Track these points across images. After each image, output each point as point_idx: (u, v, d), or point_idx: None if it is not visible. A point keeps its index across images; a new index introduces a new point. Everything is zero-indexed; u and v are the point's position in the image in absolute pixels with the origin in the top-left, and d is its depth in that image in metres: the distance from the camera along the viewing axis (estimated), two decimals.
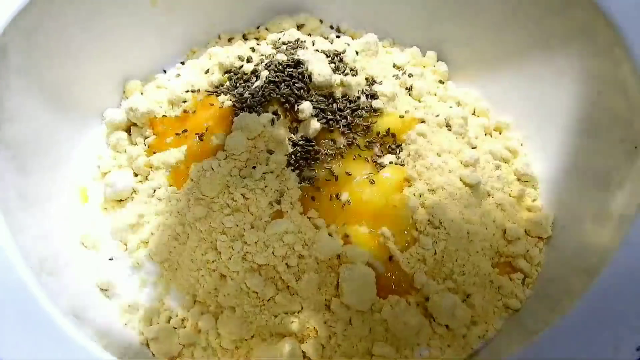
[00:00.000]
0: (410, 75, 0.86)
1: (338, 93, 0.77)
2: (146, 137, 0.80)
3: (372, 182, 0.72)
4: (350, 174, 0.72)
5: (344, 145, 0.73)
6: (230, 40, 0.98)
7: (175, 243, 0.69)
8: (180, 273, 0.69)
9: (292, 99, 0.72)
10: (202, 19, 0.95)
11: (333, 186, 0.72)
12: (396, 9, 0.95)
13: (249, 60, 0.82)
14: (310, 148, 0.72)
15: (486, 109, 0.87)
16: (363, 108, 0.76)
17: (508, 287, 0.69)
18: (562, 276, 0.66)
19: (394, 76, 0.86)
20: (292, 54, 0.80)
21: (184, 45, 0.96)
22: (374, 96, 0.77)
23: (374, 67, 0.84)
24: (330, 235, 0.68)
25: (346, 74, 0.79)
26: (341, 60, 0.82)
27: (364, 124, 0.75)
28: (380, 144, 0.75)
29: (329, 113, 0.74)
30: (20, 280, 0.57)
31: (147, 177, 0.77)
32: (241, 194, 0.67)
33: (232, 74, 0.80)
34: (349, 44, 0.88)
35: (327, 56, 0.81)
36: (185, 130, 0.76)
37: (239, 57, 0.82)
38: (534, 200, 0.78)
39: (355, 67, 0.82)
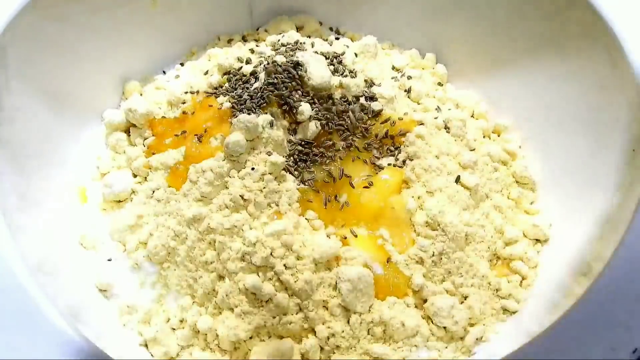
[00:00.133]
0: (409, 78, 0.87)
1: (337, 95, 0.77)
2: (145, 138, 0.80)
3: (370, 184, 0.72)
4: (348, 176, 0.72)
5: (342, 147, 0.73)
6: (229, 41, 0.98)
7: (173, 244, 0.69)
8: (178, 274, 0.69)
9: (291, 100, 0.73)
10: (201, 21, 0.95)
11: (331, 188, 0.72)
12: (395, 11, 0.95)
13: (248, 62, 0.82)
14: (309, 150, 0.73)
15: (485, 111, 0.87)
16: (362, 110, 0.76)
17: (506, 289, 0.69)
18: (560, 278, 0.67)
19: (392, 78, 0.86)
20: (291, 55, 0.80)
21: (183, 47, 0.96)
22: (372, 98, 0.77)
23: (373, 69, 0.85)
24: (328, 236, 0.68)
25: (345, 76, 0.79)
26: (340, 62, 0.83)
27: (363, 125, 0.75)
28: (379, 146, 0.75)
29: (327, 115, 0.74)
30: (19, 280, 0.57)
31: (146, 177, 0.77)
32: (240, 195, 0.67)
33: (231, 75, 0.80)
34: (348, 46, 0.89)
35: (326, 58, 0.81)
36: (184, 132, 0.76)
37: (238, 59, 0.82)
38: (532, 203, 0.78)
39: (354, 69, 0.82)
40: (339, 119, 0.74)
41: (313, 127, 0.72)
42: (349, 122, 0.74)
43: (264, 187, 0.67)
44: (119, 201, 0.77)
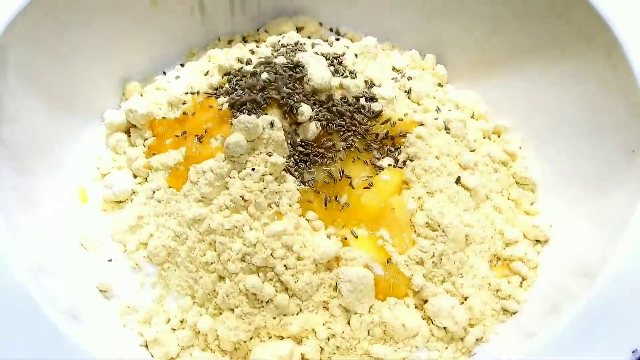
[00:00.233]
0: (409, 78, 0.87)
1: (337, 95, 0.77)
2: (145, 139, 0.80)
3: (370, 185, 0.72)
4: (349, 177, 0.72)
5: (343, 148, 0.74)
6: (229, 42, 0.98)
7: (174, 244, 0.69)
8: (179, 274, 0.69)
9: (292, 101, 0.73)
10: (201, 21, 0.95)
11: (332, 188, 0.72)
12: (395, 12, 0.95)
13: (248, 63, 0.82)
14: (309, 150, 0.73)
15: (485, 112, 0.88)
16: (362, 111, 0.76)
17: (506, 290, 0.69)
18: (560, 279, 0.67)
19: (393, 79, 0.86)
20: (292, 56, 0.80)
21: (183, 47, 0.96)
22: (373, 99, 0.78)
23: (373, 70, 0.85)
24: (328, 237, 0.68)
25: (345, 77, 0.79)
26: (340, 63, 0.83)
27: (363, 126, 0.75)
28: (379, 147, 0.76)
29: (328, 115, 0.74)
30: (19, 280, 0.57)
31: (146, 178, 0.77)
32: (240, 196, 0.67)
33: (231, 76, 0.80)
34: (348, 47, 0.89)
35: (327, 59, 0.81)
36: (185, 132, 0.76)
37: (239, 60, 0.83)
38: (532, 204, 0.78)
39: (354, 70, 0.82)
40: (339, 120, 0.74)
41: (313, 128, 0.73)
42: (349, 122, 0.74)
43: (265, 188, 0.67)
44: (120, 202, 0.77)
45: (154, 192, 0.74)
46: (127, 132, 0.84)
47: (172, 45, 0.94)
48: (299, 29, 0.97)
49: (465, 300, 0.68)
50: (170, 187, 0.73)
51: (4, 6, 0.70)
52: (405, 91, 0.85)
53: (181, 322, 0.67)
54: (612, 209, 0.65)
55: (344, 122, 0.74)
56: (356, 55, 0.87)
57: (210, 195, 0.68)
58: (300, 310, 0.65)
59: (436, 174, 0.73)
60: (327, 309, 0.65)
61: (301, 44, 0.86)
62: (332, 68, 0.80)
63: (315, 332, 0.64)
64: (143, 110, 0.80)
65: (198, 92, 0.81)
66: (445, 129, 0.79)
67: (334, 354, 0.64)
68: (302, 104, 0.73)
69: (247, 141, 0.69)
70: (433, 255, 0.68)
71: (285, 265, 0.64)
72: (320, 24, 0.99)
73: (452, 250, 0.68)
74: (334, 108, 0.75)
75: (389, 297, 0.66)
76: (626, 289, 0.56)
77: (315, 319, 0.64)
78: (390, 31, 0.97)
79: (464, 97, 0.88)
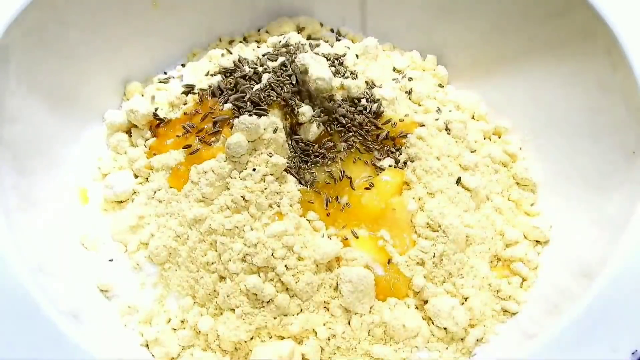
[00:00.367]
0: (410, 79, 0.87)
1: (338, 96, 0.77)
2: (146, 139, 0.80)
3: (371, 185, 0.72)
4: (349, 177, 0.72)
5: (343, 149, 0.74)
6: (230, 42, 0.98)
7: (175, 244, 0.69)
8: (179, 274, 0.69)
9: (292, 102, 0.73)
10: (202, 21, 0.96)
11: (332, 189, 0.72)
12: (396, 13, 0.95)
13: (249, 63, 0.82)
14: (310, 151, 0.73)
15: (485, 112, 0.88)
16: (363, 111, 0.76)
17: (506, 291, 0.69)
18: (560, 279, 0.67)
19: (393, 80, 0.86)
20: (293, 57, 0.80)
21: (184, 48, 0.96)
22: (374, 99, 0.78)
23: (374, 71, 0.85)
24: (329, 237, 0.68)
25: (346, 78, 0.79)
26: (341, 64, 0.83)
27: (364, 127, 0.75)
28: (380, 147, 0.76)
29: (329, 116, 0.74)
30: (20, 280, 0.57)
31: (147, 178, 0.77)
32: (241, 196, 0.67)
33: (232, 76, 0.80)
34: (349, 48, 0.89)
35: (328, 59, 0.81)
36: (186, 132, 0.76)
37: (240, 60, 0.83)
38: (532, 204, 0.78)
39: (355, 71, 0.82)
40: (340, 121, 0.74)
41: (314, 129, 0.73)
42: (350, 123, 0.74)
43: (265, 188, 0.68)
44: (120, 202, 0.77)
45: (155, 192, 0.74)
46: (128, 132, 0.84)
47: (173, 46, 0.95)
48: (299, 30, 0.97)
49: (466, 300, 0.68)
50: (171, 187, 0.73)
51: (5, 6, 0.70)
52: (406, 92, 0.85)
53: (182, 322, 0.67)
54: (612, 209, 0.65)
55: (344, 123, 0.74)
56: (357, 56, 0.87)
57: (211, 196, 0.68)
58: (301, 310, 0.65)
59: (437, 175, 0.73)
60: (328, 309, 0.65)
61: (302, 44, 0.86)
62: (333, 69, 0.80)
63: (316, 332, 0.64)
64: (144, 111, 0.80)
65: (199, 92, 0.81)
66: (446, 130, 0.79)
67: (335, 354, 0.64)
68: (302, 104, 0.73)
69: (248, 141, 0.69)
70: (433, 256, 0.68)
71: (286, 266, 0.64)
72: (321, 25, 1.00)
73: (453, 250, 0.69)
74: (334, 109, 0.75)
75: (389, 298, 0.67)
76: (626, 290, 0.56)
77: (316, 319, 0.64)
78: (391, 32, 0.97)
79: (465, 97, 0.89)
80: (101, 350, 0.55)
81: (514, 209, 0.78)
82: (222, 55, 0.89)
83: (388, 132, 0.76)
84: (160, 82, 0.90)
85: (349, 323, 0.65)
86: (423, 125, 0.77)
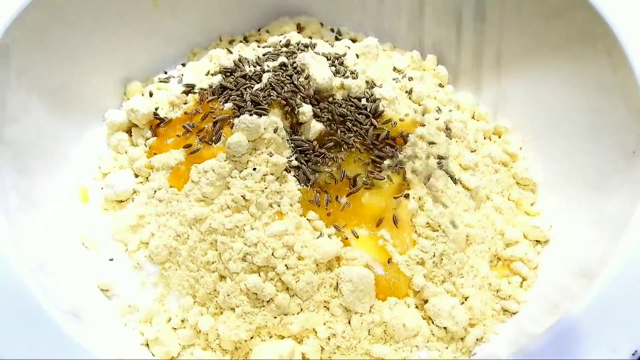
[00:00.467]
0: (410, 79, 0.87)
1: (338, 96, 0.77)
2: (147, 138, 0.80)
3: (371, 185, 0.72)
4: (350, 177, 0.72)
5: (344, 148, 0.74)
6: (231, 42, 0.98)
7: (175, 244, 0.69)
8: (180, 274, 0.69)
9: (293, 101, 0.73)
10: (203, 21, 0.96)
11: (333, 188, 0.72)
12: (397, 13, 0.95)
13: (249, 63, 0.82)
14: (311, 150, 0.73)
15: (485, 112, 0.88)
16: (363, 111, 0.76)
17: (506, 290, 0.69)
18: (560, 279, 0.67)
19: (394, 79, 0.86)
20: (293, 56, 0.80)
21: (184, 47, 0.96)
22: (374, 99, 0.78)
23: (374, 70, 0.85)
24: (329, 237, 0.68)
25: (346, 77, 0.79)
26: (341, 64, 0.83)
27: (364, 127, 0.75)
28: (380, 147, 0.76)
29: (329, 116, 0.74)
30: (20, 280, 0.57)
31: (147, 178, 0.77)
32: (241, 196, 0.67)
33: (232, 76, 0.80)
34: (349, 47, 0.89)
35: (328, 59, 0.81)
36: (186, 132, 0.76)
37: (240, 59, 0.83)
38: (532, 204, 0.79)
39: (355, 70, 0.82)
40: (340, 120, 0.74)
41: (314, 128, 0.73)
42: (350, 123, 0.74)
43: (266, 188, 0.68)
44: (121, 201, 0.77)
45: (155, 191, 0.74)
46: (129, 132, 0.84)
47: (173, 45, 0.95)
48: (300, 29, 0.98)
49: (466, 300, 0.68)
50: (171, 187, 0.73)
51: (6, 6, 0.71)
52: (406, 91, 0.85)
53: (182, 321, 0.67)
54: (613, 209, 0.65)
55: (345, 123, 0.74)
56: (357, 56, 0.87)
57: (211, 195, 0.68)
58: (301, 309, 0.65)
59: (436, 175, 0.73)
60: (328, 309, 0.65)
61: (302, 44, 0.86)
62: (333, 68, 0.80)
63: (316, 332, 0.64)
64: (144, 110, 0.80)
65: (199, 92, 0.81)
66: (446, 130, 0.79)
67: (335, 353, 0.64)
68: (303, 104, 0.73)
69: (249, 141, 0.69)
70: (433, 256, 0.68)
71: (286, 265, 0.64)
72: (322, 24, 1.00)
73: (453, 250, 0.69)
74: (335, 108, 0.75)
75: (389, 297, 0.67)
76: (626, 290, 0.56)
77: (316, 318, 0.64)
78: (391, 32, 0.97)
79: (465, 97, 0.89)
80: (101, 350, 0.55)
81: (514, 208, 0.78)
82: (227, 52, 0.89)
83: (388, 131, 0.76)
84: (160, 81, 0.90)
85: (349, 322, 0.65)
86: (423, 125, 0.77)
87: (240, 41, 0.97)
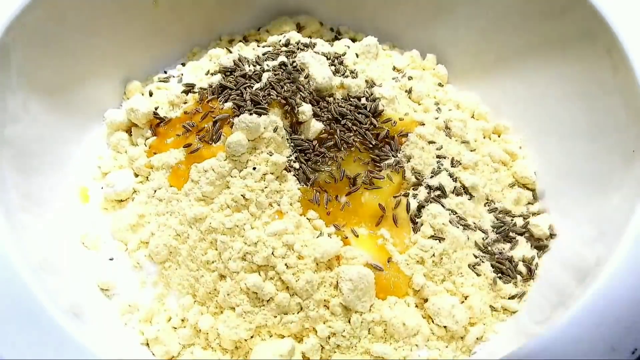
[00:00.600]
0: (410, 78, 0.87)
1: (338, 95, 0.77)
2: (147, 138, 0.81)
3: (371, 184, 0.72)
4: (349, 176, 0.72)
5: (343, 147, 0.74)
6: (230, 41, 0.98)
7: (175, 243, 0.69)
8: (180, 273, 0.69)
9: (293, 100, 0.73)
10: (203, 21, 0.96)
11: (332, 188, 0.72)
12: (396, 12, 0.95)
13: (249, 62, 0.82)
14: (310, 150, 0.73)
15: (485, 112, 0.88)
16: (363, 110, 0.76)
17: (506, 289, 0.69)
18: (560, 278, 0.67)
19: (393, 79, 0.86)
20: (293, 56, 0.80)
21: (184, 47, 0.97)
22: (373, 98, 0.78)
23: (374, 70, 0.85)
24: (329, 236, 0.68)
25: (346, 76, 0.79)
26: (341, 63, 0.83)
27: (364, 126, 0.75)
28: (380, 146, 0.76)
29: (329, 115, 0.74)
30: (21, 279, 0.57)
31: (147, 177, 0.77)
32: (241, 195, 0.67)
33: (232, 75, 0.80)
34: (349, 47, 0.89)
35: (328, 58, 0.81)
36: (186, 131, 0.76)
37: (240, 59, 0.83)
38: (532, 203, 0.79)
39: (355, 70, 0.82)
40: (340, 119, 0.74)
41: (314, 127, 0.73)
42: (350, 122, 0.74)
43: (266, 187, 0.68)
44: (121, 200, 0.77)
45: (155, 191, 0.74)
46: (129, 131, 0.84)
47: (173, 45, 0.95)
48: (299, 29, 0.98)
49: (466, 299, 0.68)
50: (171, 186, 0.73)
51: (6, 6, 0.71)
52: (405, 91, 0.85)
53: (182, 320, 0.67)
54: (612, 209, 0.65)
55: (344, 122, 0.74)
56: (357, 55, 0.87)
57: (211, 194, 0.68)
58: (301, 308, 0.65)
59: (436, 174, 0.73)
60: (328, 308, 0.65)
61: (302, 43, 0.86)
62: (332, 68, 0.80)
63: (316, 331, 0.64)
64: (144, 110, 0.80)
65: (199, 91, 0.81)
66: (446, 129, 0.79)
67: (335, 352, 0.64)
68: (303, 103, 0.73)
69: (249, 140, 0.69)
70: (433, 255, 0.68)
71: (286, 264, 0.64)
72: (321, 24, 1.00)
73: (453, 249, 0.69)
74: (334, 108, 0.75)
75: (389, 296, 0.67)
76: (626, 289, 0.56)
77: (316, 317, 0.64)
78: (391, 31, 0.97)
79: (465, 96, 0.89)
80: (102, 349, 0.55)
81: (514, 207, 0.78)
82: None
83: (388, 130, 0.76)
84: (160, 81, 0.90)
85: (349, 321, 0.65)
86: (423, 124, 0.77)
87: (240, 41, 0.97)
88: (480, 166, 0.78)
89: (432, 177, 0.73)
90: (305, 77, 0.75)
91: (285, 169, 0.70)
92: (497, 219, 0.75)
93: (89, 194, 0.79)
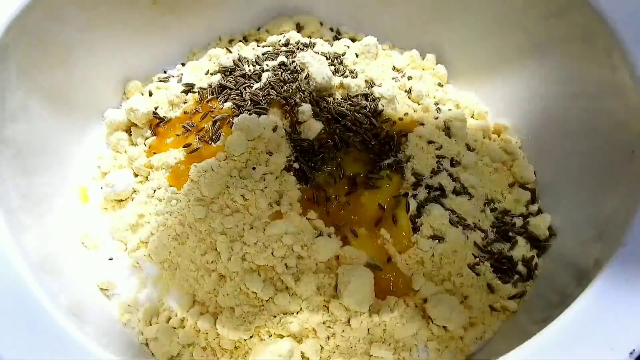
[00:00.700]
0: (409, 78, 0.87)
1: (338, 95, 0.77)
2: (146, 138, 0.81)
3: (371, 184, 0.72)
4: (349, 176, 0.72)
5: (343, 147, 0.74)
6: (230, 41, 0.98)
7: (174, 243, 0.69)
8: (179, 273, 0.69)
9: (292, 100, 0.73)
10: (202, 21, 0.96)
11: (332, 188, 0.72)
12: (396, 12, 0.95)
13: (249, 62, 0.82)
14: (310, 150, 0.73)
15: (485, 111, 0.88)
16: (362, 110, 0.76)
17: (505, 290, 0.69)
18: (559, 278, 0.67)
19: (393, 78, 0.86)
20: (292, 56, 0.80)
21: (184, 47, 0.97)
22: (373, 98, 0.78)
23: (374, 70, 0.85)
24: (329, 236, 0.68)
25: (346, 76, 0.80)
26: (341, 63, 0.83)
27: (364, 126, 0.75)
28: (380, 146, 0.76)
29: (328, 115, 0.74)
30: (21, 279, 0.57)
31: (147, 177, 0.77)
32: (241, 195, 0.67)
33: (232, 75, 0.80)
34: (348, 47, 0.89)
35: (327, 58, 0.81)
36: (186, 131, 0.76)
37: (239, 59, 0.83)
38: (532, 203, 0.78)
39: (354, 70, 0.82)
40: (339, 119, 0.74)
41: (314, 127, 0.73)
42: (349, 122, 0.74)
43: (265, 187, 0.68)
44: (120, 200, 0.77)
45: (154, 191, 0.74)
46: (128, 131, 0.84)
47: (173, 45, 0.95)
48: (299, 29, 0.98)
49: (465, 299, 0.68)
50: (171, 186, 0.73)
51: (5, 6, 0.71)
52: (405, 91, 0.85)
53: (182, 320, 0.67)
54: (612, 208, 0.65)
55: (344, 122, 0.74)
56: (356, 55, 0.87)
57: (211, 195, 0.68)
58: (301, 309, 0.65)
59: (436, 174, 0.73)
60: (327, 308, 0.65)
61: (302, 43, 0.86)
62: (332, 67, 0.80)
63: (315, 332, 0.64)
64: (144, 109, 0.80)
65: (199, 91, 0.81)
66: (446, 129, 0.79)
67: (334, 353, 0.64)
68: (302, 103, 0.73)
69: (248, 140, 0.69)
70: (433, 255, 0.68)
71: (285, 265, 0.64)
72: (321, 24, 1.00)
73: (452, 249, 0.69)
74: (334, 107, 0.75)
75: (388, 297, 0.67)
76: (625, 290, 0.56)
77: (315, 318, 0.64)
78: (390, 31, 0.97)
79: (464, 96, 0.89)
80: (101, 349, 0.55)
81: (513, 208, 0.78)
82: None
83: (387, 130, 0.76)
84: (160, 81, 0.90)
85: (349, 322, 0.65)
86: (422, 124, 0.77)
87: (240, 40, 0.97)
88: (479, 166, 0.78)
89: (431, 177, 0.73)
90: (305, 77, 0.75)
91: (285, 169, 0.70)
92: (497, 219, 0.75)
93: (89, 193, 0.79)
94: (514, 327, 0.66)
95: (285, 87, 0.74)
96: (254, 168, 0.68)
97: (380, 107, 0.77)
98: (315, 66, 0.76)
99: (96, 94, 0.86)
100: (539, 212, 0.77)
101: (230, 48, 0.93)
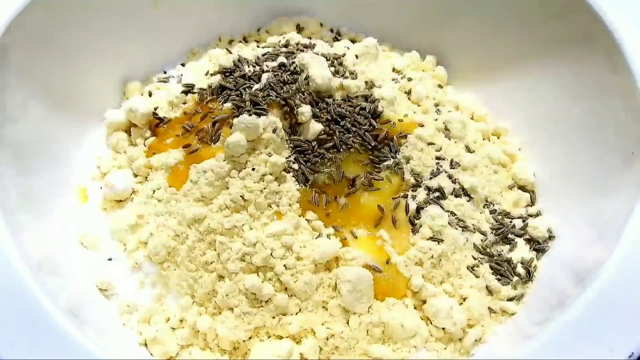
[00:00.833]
0: (409, 79, 0.87)
1: (338, 96, 0.77)
2: (146, 138, 0.81)
3: (370, 185, 0.72)
4: (348, 177, 0.72)
5: (342, 149, 0.74)
6: (230, 42, 0.98)
7: (174, 244, 0.69)
8: (179, 274, 0.69)
9: (292, 101, 0.73)
10: (202, 21, 0.96)
11: (331, 189, 0.72)
12: (396, 13, 0.95)
13: (249, 63, 0.82)
14: (309, 151, 0.73)
15: (485, 113, 0.88)
16: (362, 111, 0.76)
17: (505, 291, 0.69)
18: (559, 280, 0.67)
19: (393, 80, 0.86)
20: (292, 57, 0.80)
21: (184, 47, 0.96)
22: (373, 99, 0.78)
23: (374, 71, 0.85)
24: (328, 237, 0.68)
25: (346, 78, 0.79)
26: (341, 64, 0.83)
27: (363, 127, 0.75)
28: (379, 148, 0.76)
29: (328, 116, 0.74)
30: (20, 279, 0.57)
31: (146, 177, 0.77)
32: (240, 196, 0.67)
33: (232, 76, 0.80)
34: (348, 48, 0.89)
35: (327, 59, 0.81)
36: (185, 132, 0.76)
37: (239, 60, 0.83)
38: (531, 205, 0.79)
39: (354, 71, 0.82)
40: (339, 120, 0.75)
41: (313, 128, 0.73)
42: (349, 123, 0.74)
43: (265, 188, 0.68)
44: (120, 201, 0.77)
45: (154, 191, 0.74)
46: (128, 132, 0.84)
47: (172, 45, 0.95)
48: (299, 29, 0.98)
49: (464, 301, 0.68)
50: (170, 187, 0.73)
51: (5, 6, 0.71)
52: (405, 92, 0.85)
53: (181, 321, 0.67)
54: (611, 210, 0.65)
55: (344, 123, 0.74)
56: (356, 56, 0.86)
57: (210, 195, 0.68)
58: (300, 310, 0.65)
59: (436, 175, 0.73)
60: (326, 309, 0.66)
61: (302, 44, 0.86)
62: (332, 69, 0.80)
63: (314, 332, 0.64)
64: (144, 110, 0.80)
65: (199, 92, 0.81)
66: (445, 130, 0.79)
67: (333, 353, 0.64)
68: (302, 104, 0.73)
69: (248, 141, 0.69)
70: (432, 256, 0.68)
71: (284, 265, 0.64)
72: (321, 25, 0.99)
73: (451, 251, 0.69)
74: (334, 109, 0.75)
75: (388, 298, 0.67)
76: (624, 292, 0.56)
77: (315, 318, 0.64)
78: (390, 32, 0.97)
79: (464, 98, 0.89)
80: (100, 349, 0.55)
81: (513, 209, 0.78)
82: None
83: (387, 132, 0.76)
84: (159, 81, 0.90)
85: (348, 323, 0.65)
86: (422, 126, 0.78)
87: (240, 41, 0.97)
88: (479, 168, 0.78)
89: (431, 178, 0.73)
90: (305, 78, 0.75)
91: (285, 169, 0.70)
92: (496, 221, 0.75)
93: (88, 194, 0.79)
94: (513, 329, 0.66)
95: (285, 88, 0.74)
96: (253, 169, 0.68)
97: (380, 109, 0.77)
98: (315, 67, 0.76)
99: (96, 94, 0.86)
100: (539, 214, 0.77)
101: (230, 49, 0.93)
